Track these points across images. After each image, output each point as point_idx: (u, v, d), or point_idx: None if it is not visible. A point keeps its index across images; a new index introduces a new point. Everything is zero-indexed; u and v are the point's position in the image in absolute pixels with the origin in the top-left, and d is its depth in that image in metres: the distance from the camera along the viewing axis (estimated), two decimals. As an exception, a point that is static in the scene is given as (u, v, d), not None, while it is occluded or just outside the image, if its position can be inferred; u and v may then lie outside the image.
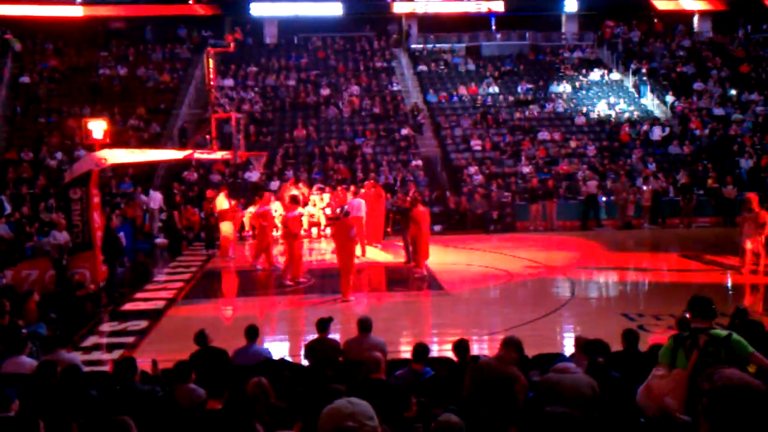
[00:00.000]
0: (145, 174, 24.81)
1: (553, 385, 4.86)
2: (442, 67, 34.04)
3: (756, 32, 37.03)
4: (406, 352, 8.86)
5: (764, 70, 32.45)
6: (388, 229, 21.13)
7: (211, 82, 19.09)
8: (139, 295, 14.69)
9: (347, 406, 2.73)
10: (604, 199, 23.42)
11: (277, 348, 10.38)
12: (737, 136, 26.96)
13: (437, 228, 22.38)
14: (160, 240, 21.09)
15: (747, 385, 2.49)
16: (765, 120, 28.03)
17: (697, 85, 31.10)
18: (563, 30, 38.63)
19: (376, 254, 18.71)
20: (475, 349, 9.18)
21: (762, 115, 28.36)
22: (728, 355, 4.93)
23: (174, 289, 15.08)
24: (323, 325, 8.37)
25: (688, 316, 5.54)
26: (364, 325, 8.23)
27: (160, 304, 13.76)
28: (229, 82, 31.30)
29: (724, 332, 5.12)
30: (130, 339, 11.35)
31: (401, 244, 17.57)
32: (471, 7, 37.69)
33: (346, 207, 16.21)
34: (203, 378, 6.19)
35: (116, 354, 10.37)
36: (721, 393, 2.50)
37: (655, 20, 38.56)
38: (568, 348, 9.71)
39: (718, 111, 29.01)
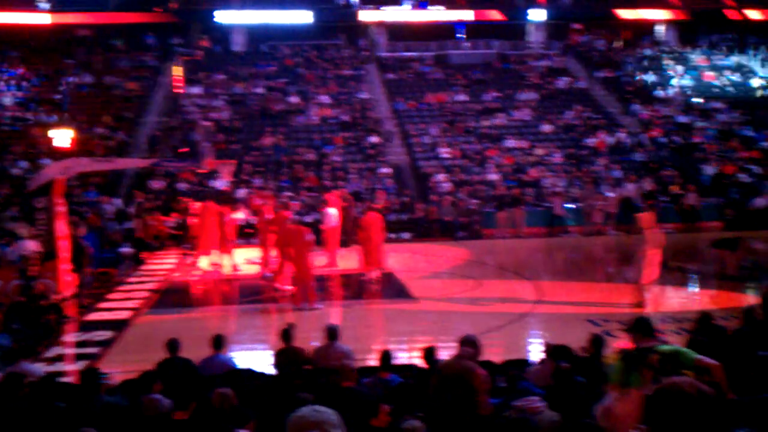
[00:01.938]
0: (110, 183, 24.53)
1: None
2: (411, 75, 34.17)
3: (719, 41, 37.77)
4: (373, 359, 8.86)
5: (726, 78, 33.03)
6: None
7: (181, 91, 18.99)
8: (103, 305, 14.50)
9: (313, 414, 2.73)
10: (571, 206, 23.55)
11: (244, 357, 10.30)
12: (700, 144, 27.37)
13: (406, 236, 22.43)
14: (126, 249, 20.83)
15: (677, 386, 2.58)
16: (728, 127, 28.48)
17: (661, 93, 31.56)
18: (530, 39, 38.97)
19: (342, 262, 18.62)
20: (444, 356, 9.20)
21: (725, 122, 28.82)
22: (676, 368, 5.11)
23: (140, 299, 14.92)
24: (287, 334, 8.36)
25: (631, 337, 5.83)
26: (332, 333, 8.24)
27: (126, 314, 13.61)
28: (197, 89, 31.07)
29: (669, 347, 5.45)
30: (95, 350, 11.21)
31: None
32: (439, 16, 37.88)
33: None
34: (169, 388, 6.14)
35: (81, 365, 10.23)
36: (656, 397, 2.61)
37: (621, 30, 39.09)
38: (534, 354, 9.79)
39: (682, 118, 29.44)
